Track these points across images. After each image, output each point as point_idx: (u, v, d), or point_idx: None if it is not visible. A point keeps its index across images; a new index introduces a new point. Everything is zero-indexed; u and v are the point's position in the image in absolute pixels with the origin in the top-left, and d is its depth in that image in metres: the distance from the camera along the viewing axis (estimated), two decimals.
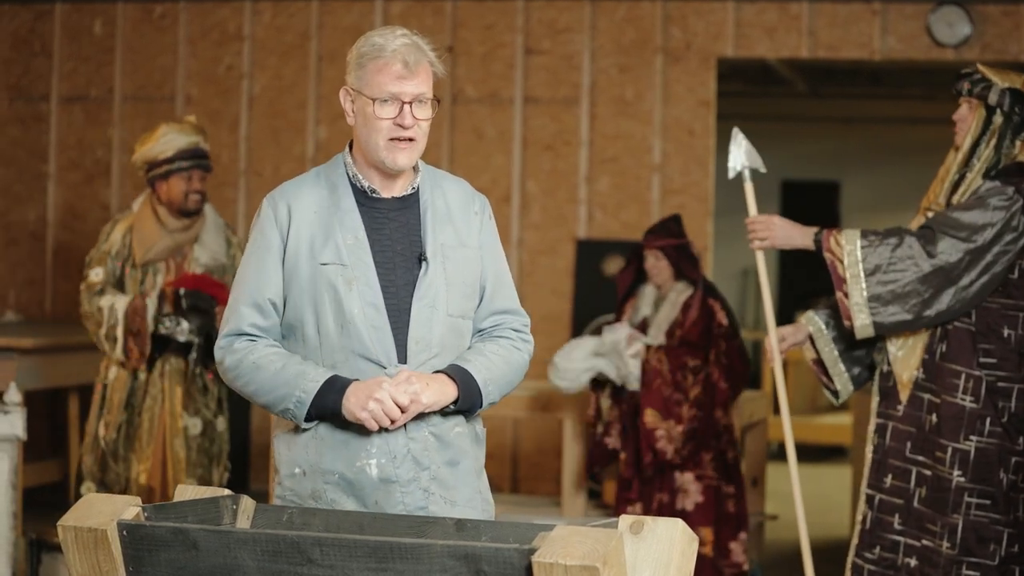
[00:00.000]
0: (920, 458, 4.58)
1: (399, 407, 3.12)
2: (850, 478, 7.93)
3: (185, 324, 5.67)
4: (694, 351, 5.97)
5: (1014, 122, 4.58)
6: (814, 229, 4.68)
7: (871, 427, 4.71)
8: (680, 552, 2.68)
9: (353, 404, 3.13)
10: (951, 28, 7.80)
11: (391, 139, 3.18)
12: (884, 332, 4.59)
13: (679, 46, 8.17)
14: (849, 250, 4.56)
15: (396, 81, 3.17)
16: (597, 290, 8.06)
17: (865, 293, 4.53)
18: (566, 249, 8.29)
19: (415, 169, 3.31)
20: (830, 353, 4.81)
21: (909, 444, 4.61)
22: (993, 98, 4.57)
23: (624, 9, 8.22)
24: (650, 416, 5.93)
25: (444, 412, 3.23)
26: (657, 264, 6.12)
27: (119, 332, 5.66)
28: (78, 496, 5.66)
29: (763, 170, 4.98)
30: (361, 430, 3.18)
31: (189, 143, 5.76)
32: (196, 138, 5.79)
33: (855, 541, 4.74)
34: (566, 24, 8.29)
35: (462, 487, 3.26)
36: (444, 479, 3.23)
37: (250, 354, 3.21)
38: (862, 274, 4.54)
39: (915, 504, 4.59)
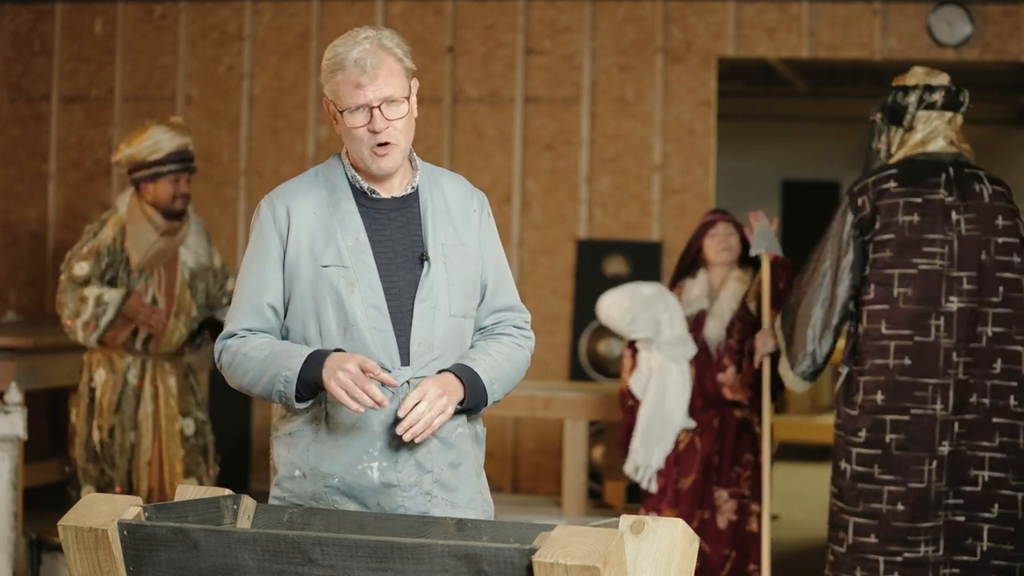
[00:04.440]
0: None
1: (385, 384, 3.09)
2: None
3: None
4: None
5: (887, 115, 4.83)
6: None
7: None
8: (681, 552, 2.68)
9: (326, 375, 3.08)
10: (951, 28, 7.81)
11: (372, 147, 3.17)
12: (810, 379, 5.00)
13: (679, 46, 8.18)
14: (777, 327, 5.09)
15: (357, 90, 3.14)
16: (598, 290, 8.05)
17: (785, 355, 4.98)
18: (566, 249, 8.29)
19: (413, 167, 3.29)
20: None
21: None
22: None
23: (624, 9, 8.23)
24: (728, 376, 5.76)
25: None
26: (729, 239, 5.79)
27: (104, 320, 5.63)
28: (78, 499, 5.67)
29: (780, 254, 5.53)
30: (362, 433, 3.16)
31: (179, 145, 5.73)
32: (186, 140, 5.77)
33: None
34: (566, 24, 8.29)
35: (464, 488, 3.25)
36: (447, 481, 3.22)
37: (242, 347, 3.21)
38: (781, 333, 5.03)
39: None
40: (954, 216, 4.66)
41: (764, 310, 5.46)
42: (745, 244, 5.81)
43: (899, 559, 4.64)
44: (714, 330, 5.78)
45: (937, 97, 4.70)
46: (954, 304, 4.64)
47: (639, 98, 8.22)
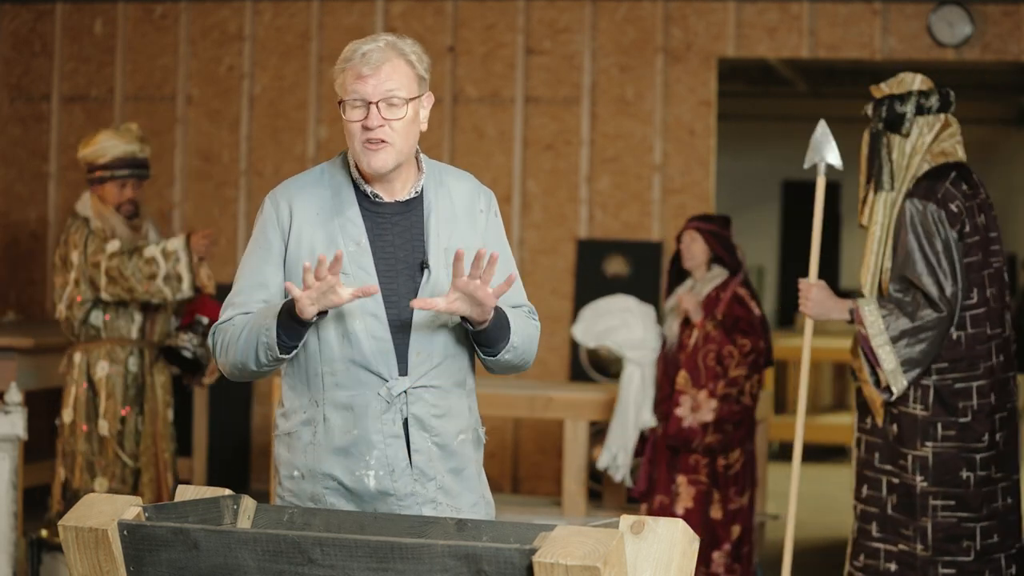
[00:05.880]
0: (888, 467, 4.79)
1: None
2: (851, 478, 7.93)
3: (200, 349, 5.92)
4: (745, 335, 5.87)
5: (886, 124, 4.81)
6: (848, 303, 4.82)
7: (853, 442, 4.93)
8: (681, 552, 2.68)
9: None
10: (952, 28, 7.81)
11: (364, 142, 3.12)
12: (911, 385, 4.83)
13: (680, 46, 8.17)
14: (871, 321, 4.73)
15: (358, 81, 3.11)
16: (598, 290, 8.06)
17: (896, 358, 4.70)
18: (567, 249, 8.29)
19: (420, 169, 3.24)
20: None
21: (878, 455, 4.82)
22: (868, 112, 4.85)
23: (625, 9, 8.22)
24: (682, 379, 5.89)
25: (449, 375, 3.19)
26: (691, 246, 5.97)
27: (184, 267, 5.76)
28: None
29: (839, 166, 4.99)
30: (359, 441, 3.14)
31: (125, 152, 5.85)
32: (134, 147, 5.88)
33: (848, 551, 4.96)
34: (567, 24, 8.29)
35: (467, 493, 3.24)
36: (449, 488, 3.20)
37: (231, 326, 3.19)
38: (889, 343, 4.71)
39: (889, 511, 4.79)
40: (992, 213, 4.85)
41: (813, 252, 5.06)
42: (713, 248, 5.98)
43: (1013, 551, 4.79)
44: (671, 328, 6.02)
45: (933, 102, 4.78)
46: (1007, 298, 4.86)
47: (639, 98, 8.22)
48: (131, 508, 2.85)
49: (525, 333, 3.23)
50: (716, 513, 5.85)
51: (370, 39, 3.16)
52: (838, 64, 10.50)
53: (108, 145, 5.82)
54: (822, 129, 5.03)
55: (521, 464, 8.31)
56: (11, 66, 8.92)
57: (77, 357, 5.82)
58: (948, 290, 4.67)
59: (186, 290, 5.75)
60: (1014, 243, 14.05)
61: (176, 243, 5.75)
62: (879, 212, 4.78)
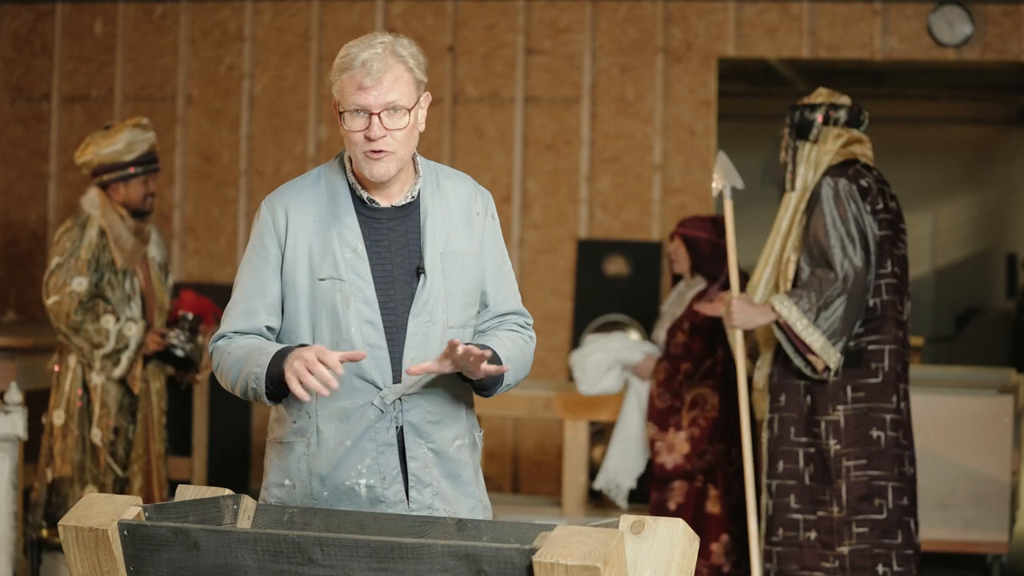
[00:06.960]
0: (803, 439, 5.03)
1: (328, 367, 2.99)
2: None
3: (189, 345, 5.83)
4: (688, 357, 5.90)
5: (795, 130, 5.12)
6: (768, 304, 5.03)
7: (764, 424, 5.17)
8: (681, 552, 2.69)
9: (285, 366, 3.02)
10: (952, 28, 7.81)
11: (365, 152, 3.10)
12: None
13: (680, 46, 8.18)
14: (786, 313, 4.93)
15: (360, 92, 3.06)
16: (598, 290, 8.06)
17: (822, 334, 4.91)
18: (567, 249, 8.29)
19: (416, 173, 3.23)
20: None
21: (793, 429, 5.05)
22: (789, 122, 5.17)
23: (625, 9, 8.22)
24: (650, 429, 5.93)
25: (452, 396, 3.18)
26: (676, 252, 6.02)
27: (126, 357, 5.70)
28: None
29: (740, 186, 5.28)
30: (352, 451, 3.13)
31: (151, 145, 5.80)
32: (155, 140, 5.84)
33: (763, 531, 5.14)
34: (567, 24, 8.29)
35: (464, 499, 3.23)
36: (446, 494, 3.19)
37: (228, 347, 3.18)
38: (811, 324, 4.91)
39: (806, 482, 5.02)
40: (901, 210, 5.16)
41: (731, 270, 5.31)
42: (695, 256, 5.98)
43: (919, 516, 5.05)
44: (658, 335, 6.08)
45: (841, 114, 5.10)
46: (908, 284, 5.12)
47: (639, 98, 8.22)
48: (131, 508, 2.85)
49: (519, 362, 3.24)
50: (713, 508, 5.86)
51: (367, 43, 3.10)
52: (838, 64, 10.49)
53: (137, 140, 5.73)
54: (723, 159, 5.31)
55: (521, 464, 8.31)
56: (11, 66, 8.92)
57: (72, 361, 5.79)
58: (854, 256, 4.90)
59: (115, 376, 5.70)
60: (1014, 243, 14.06)
61: (135, 332, 5.68)
62: (784, 208, 5.08)
